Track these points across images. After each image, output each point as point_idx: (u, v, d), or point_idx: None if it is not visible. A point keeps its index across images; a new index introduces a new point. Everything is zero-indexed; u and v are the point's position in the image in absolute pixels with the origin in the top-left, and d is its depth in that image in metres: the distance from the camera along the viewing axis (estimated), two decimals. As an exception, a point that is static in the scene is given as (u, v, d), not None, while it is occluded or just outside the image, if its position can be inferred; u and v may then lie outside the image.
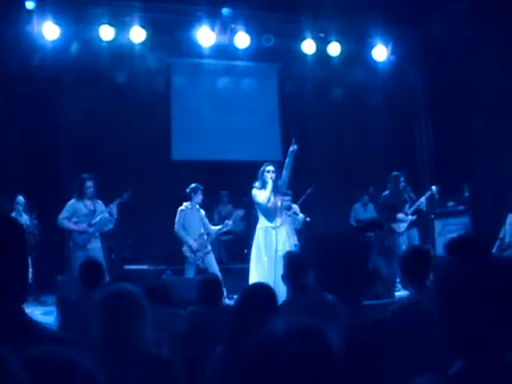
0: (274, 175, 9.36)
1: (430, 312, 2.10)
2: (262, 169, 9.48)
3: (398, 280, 10.83)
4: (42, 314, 9.16)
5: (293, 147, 9.30)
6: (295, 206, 10.72)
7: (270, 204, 9.35)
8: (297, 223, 10.94)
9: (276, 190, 9.38)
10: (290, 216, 10.34)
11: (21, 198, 10.95)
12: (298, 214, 11.09)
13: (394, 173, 11.29)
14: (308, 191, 10.37)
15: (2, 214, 4.54)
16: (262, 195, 9.40)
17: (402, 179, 11.24)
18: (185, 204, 10.59)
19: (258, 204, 9.47)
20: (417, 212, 11.18)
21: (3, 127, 11.83)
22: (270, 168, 9.43)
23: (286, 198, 10.62)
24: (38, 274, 10.30)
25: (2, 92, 11.78)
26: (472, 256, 4.13)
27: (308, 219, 11.29)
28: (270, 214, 9.42)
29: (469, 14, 12.35)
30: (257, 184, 9.48)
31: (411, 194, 11.30)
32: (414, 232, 11.18)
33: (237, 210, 10.98)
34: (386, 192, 11.33)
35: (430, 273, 4.60)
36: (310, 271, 5.20)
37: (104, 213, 10.05)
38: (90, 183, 9.98)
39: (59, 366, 1.50)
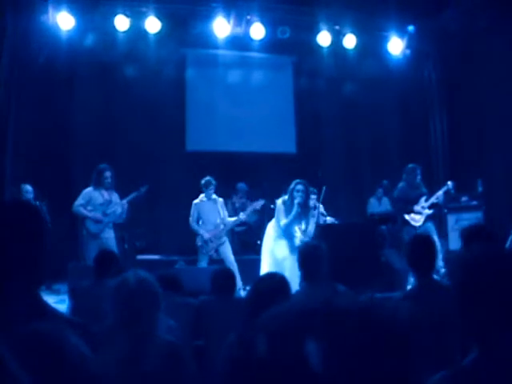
0: (302, 196, 9.01)
1: (430, 305, 2.10)
2: (291, 186, 9.10)
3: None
4: (55, 302, 9.13)
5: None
6: (320, 205, 10.61)
7: (287, 228, 9.12)
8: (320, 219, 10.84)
9: (303, 213, 9.13)
10: (313, 216, 9.88)
11: (28, 187, 10.96)
12: (325, 216, 11.04)
13: (411, 165, 11.21)
14: (322, 193, 10.22)
15: (22, 200, 4.56)
16: (282, 219, 9.16)
17: (418, 171, 11.19)
18: (200, 196, 10.61)
19: (278, 221, 9.25)
20: (433, 206, 11.14)
21: (15, 116, 11.85)
22: (300, 187, 9.06)
23: (313, 196, 10.43)
24: (49, 263, 10.30)
25: (16, 81, 11.79)
26: (485, 243, 4.13)
27: (337, 222, 11.24)
28: (286, 235, 9.23)
29: (485, 7, 12.25)
30: (285, 198, 9.17)
31: (423, 189, 11.26)
32: (431, 226, 11.13)
33: (255, 202, 10.91)
34: (403, 183, 11.25)
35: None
36: (323, 262, 5.19)
37: (117, 206, 10.10)
38: (108, 173, 10.02)
39: (47, 342, 1.51)
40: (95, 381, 1.60)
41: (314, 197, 10.58)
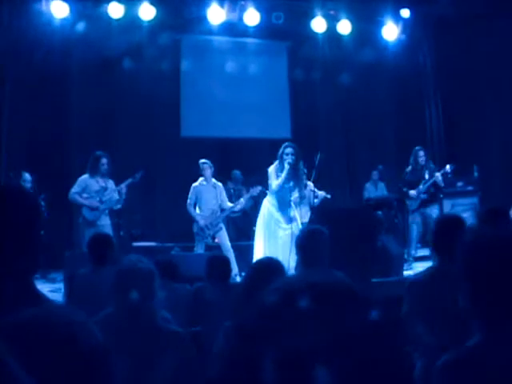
0: (292, 158, 9.06)
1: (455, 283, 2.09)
2: (280, 150, 9.17)
3: (406, 258, 10.92)
4: (50, 291, 9.15)
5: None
6: (310, 184, 10.64)
7: (280, 190, 9.21)
8: (314, 200, 10.86)
9: (292, 175, 9.17)
10: (302, 180, 9.82)
11: (27, 176, 10.93)
12: (316, 192, 11.04)
13: (416, 147, 11.35)
14: (316, 162, 10.15)
15: (17, 186, 4.52)
16: (274, 182, 9.22)
17: (421, 153, 11.25)
18: (199, 180, 10.57)
19: (270, 186, 9.33)
20: (433, 188, 11.18)
21: (11, 105, 11.82)
22: (289, 150, 9.11)
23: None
24: (45, 251, 10.29)
25: (11, 70, 11.76)
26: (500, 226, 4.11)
27: (328, 196, 11.26)
28: (280, 203, 9.32)
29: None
30: (276, 163, 9.25)
31: (425, 172, 11.30)
32: (431, 210, 11.18)
33: (251, 188, 10.90)
34: (409, 167, 11.38)
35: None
36: (324, 248, 5.07)
37: (114, 192, 10.11)
38: (104, 160, 10.02)
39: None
40: (105, 370, 1.60)
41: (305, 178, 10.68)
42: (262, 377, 1.18)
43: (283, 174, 9.08)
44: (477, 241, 2.11)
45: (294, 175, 9.18)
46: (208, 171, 10.50)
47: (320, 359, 1.14)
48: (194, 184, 10.57)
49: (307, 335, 1.15)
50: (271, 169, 9.29)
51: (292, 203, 9.30)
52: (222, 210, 10.63)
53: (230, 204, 10.78)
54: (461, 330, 2.63)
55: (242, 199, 10.86)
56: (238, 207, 10.94)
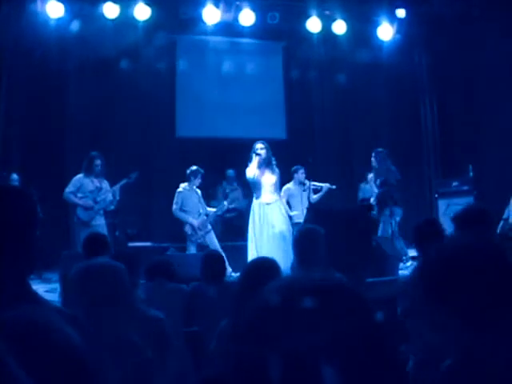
0: (262, 152, 9.75)
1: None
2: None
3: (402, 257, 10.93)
4: (46, 291, 9.13)
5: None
6: (307, 182, 10.75)
7: (254, 178, 9.77)
8: (313, 196, 10.99)
9: (264, 166, 9.74)
10: (304, 191, 10.74)
11: (15, 176, 10.94)
12: (317, 187, 11.20)
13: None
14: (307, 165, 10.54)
15: (13, 186, 4.53)
16: (248, 171, 9.86)
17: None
18: (182, 185, 10.70)
19: (247, 179, 10.00)
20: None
21: (6, 106, 11.82)
22: (258, 145, 9.83)
23: (301, 171, 11.13)
24: (40, 251, 10.26)
25: (5, 71, 11.74)
26: (476, 227, 4.12)
27: (334, 187, 11.37)
28: (256, 189, 9.86)
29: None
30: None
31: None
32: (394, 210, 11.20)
33: (236, 191, 11.18)
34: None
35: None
36: (320, 248, 5.05)
37: (108, 192, 10.13)
38: (98, 161, 10.10)
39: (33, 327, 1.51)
40: (83, 365, 1.59)
41: (302, 171, 11.18)
42: (261, 377, 1.18)
43: (253, 161, 9.79)
44: (442, 251, 2.08)
45: (265, 166, 9.81)
46: (200, 179, 10.80)
47: (323, 359, 1.14)
48: (179, 189, 10.75)
49: (309, 335, 1.15)
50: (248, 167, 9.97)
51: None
52: (206, 214, 10.85)
53: (211, 209, 11.05)
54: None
55: (225, 202, 11.16)
56: (219, 212, 11.28)
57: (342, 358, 1.14)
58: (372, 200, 11.36)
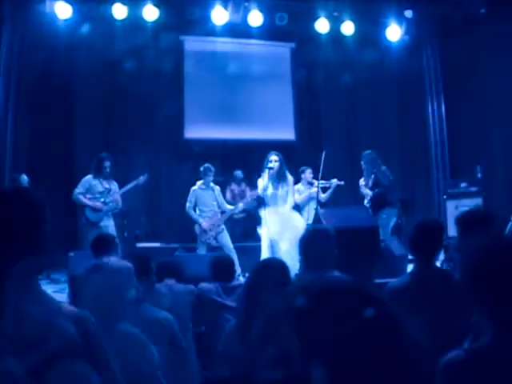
0: (276, 164, 9.57)
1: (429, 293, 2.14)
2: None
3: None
4: (54, 291, 9.14)
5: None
6: (315, 182, 10.75)
7: (267, 193, 9.63)
8: (322, 196, 11.01)
9: (275, 180, 9.60)
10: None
11: (24, 177, 10.98)
12: (328, 184, 11.21)
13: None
14: (322, 160, 10.28)
15: (22, 187, 4.54)
16: (259, 183, 9.76)
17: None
18: (198, 183, 10.68)
19: (258, 192, 9.87)
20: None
21: (15, 107, 11.84)
22: (272, 158, 9.64)
23: (308, 172, 11.28)
24: (49, 252, 10.27)
25: (14, 71, 11.77)
26: (480, 230, 4.10)
27: (342, 182, 11.39)
28: (268, 201, 9.69)
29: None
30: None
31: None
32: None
33: (254, 189, 11.04)
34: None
35: (440, 248, 4.45)
36: (330, 250, 4.83)
37: (117, 195, 10.16)
38: (107, 163, 10.11)
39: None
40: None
41: (309, 171, 11.31)
42: (270, 378, 1.18)
43: (264, 176, 9.61)
44: (480, 248, 2.16)
45: (277, 178, 9.65)
46: (211, 177, 10.70)
47: (330, 360, 1.14)
48: (193, 188, 10.72)
49: (324, 336, 1.15)
50: (260, 178, 9.82)
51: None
52: (222, 212, 10.79)
53: (229, 206, 10.95)
54: (441, 335, 2.67)
55: (240, 203, 11.00)
56: (238, 209, 11.10)
57: (366, 360, 1.14)
58: (365, 202, 11.30)
